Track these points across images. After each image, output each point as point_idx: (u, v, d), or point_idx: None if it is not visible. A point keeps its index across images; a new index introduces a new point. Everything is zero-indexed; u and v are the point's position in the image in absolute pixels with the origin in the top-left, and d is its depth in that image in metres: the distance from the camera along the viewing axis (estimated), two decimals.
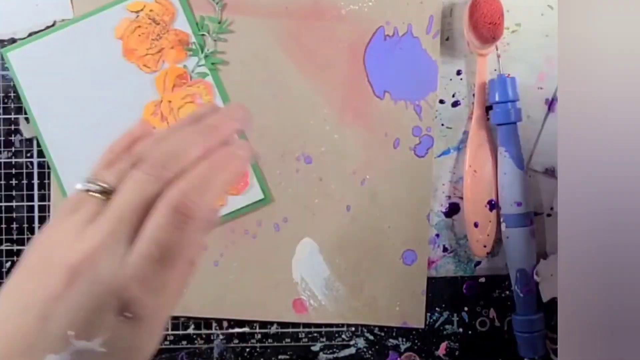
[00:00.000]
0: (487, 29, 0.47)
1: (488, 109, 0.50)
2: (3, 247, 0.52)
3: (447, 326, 0.52)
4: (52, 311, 0.28)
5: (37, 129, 0.51)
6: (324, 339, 0.52)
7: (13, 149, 0.52)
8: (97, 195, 0.31)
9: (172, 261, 0.29)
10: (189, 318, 0.52)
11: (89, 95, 0.50)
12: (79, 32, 0.50)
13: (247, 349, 0.52)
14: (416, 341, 0.52)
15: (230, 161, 0.32)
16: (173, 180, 0.30)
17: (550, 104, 0.51)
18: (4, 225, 0.52)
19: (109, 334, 0.28)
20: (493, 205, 0.50)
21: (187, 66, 0.50)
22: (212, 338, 0.52)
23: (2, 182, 0.52)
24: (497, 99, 0.48)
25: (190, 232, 0.30)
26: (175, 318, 0.52)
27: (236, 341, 0.52)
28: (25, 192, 0.51)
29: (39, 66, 0.51)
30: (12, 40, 0.51)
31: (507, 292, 0.51)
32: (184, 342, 0.52)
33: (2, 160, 0.52)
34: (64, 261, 0.28)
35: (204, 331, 0.52)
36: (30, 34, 0.51)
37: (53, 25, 0.51)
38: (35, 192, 0.52)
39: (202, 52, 0.50)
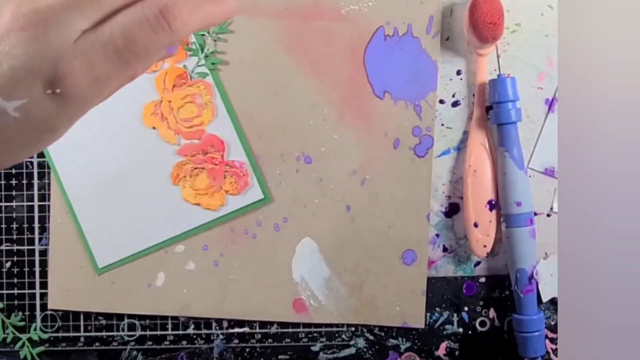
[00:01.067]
0: (487, 29, 0.47)
1: (488, 109, 0.50)
2: (3, 247, 0.52)
3: (447, 326, 0.52)
4: None
5: None
6: (324, 339, 0.52)
7: None
8: None
9: (128, 60, 0.28)
10: (189, 318, 0.52)
11: None
12: None
13: (247, 349, 0.52)
14: (416, 341, 0.52)
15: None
16: None
17: (550, 104, 0.51)
18: (4, 225, 0.52)
19: (29, 102, 0.27)
20: (493, 205, 0.50)
21: (187, 66, 0.50)
22: (212, 338, 0.52)
23: (2, 182, 0.52)
24: (497, 99, 0.48)
25: (161, 41, 0.29)
26: (175, 318, 0.52)
27: (236, 341, 0.52)
28: (25, 192, 0.51)
29: None
30: None
31: (507, 292, 0.51)
32: (184, 342, 0.52)
33: None
34: (22, 2, 0.27)
35: (204, 331, 0.52)
36: None
37: None
38: (35, 192, 0.52)
39: (202, 52, 0.50)
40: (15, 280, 0.52)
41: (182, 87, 0.50)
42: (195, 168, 0.50)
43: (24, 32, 0.27)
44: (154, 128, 0.50)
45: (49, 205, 0.51)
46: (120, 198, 0.51)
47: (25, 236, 0.52)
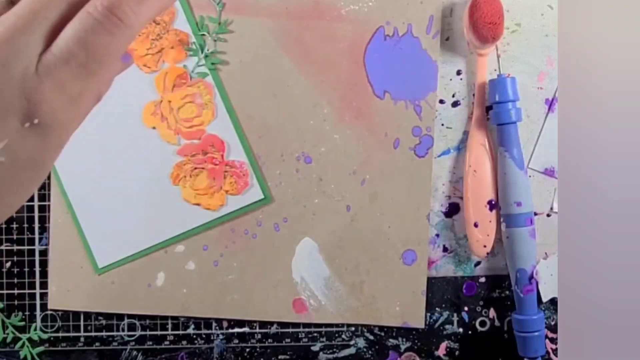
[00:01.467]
0: (487, 29, 0.47)
1: (488, 109, 0.50)
2: (3, 247, 0.52)
3: (447, 326, 0.52)
4: None
5: None
6: (324, 339, 0.52)
7: None
8: None
9: (94, 70, 0.28)
10: (189, 318, 0.52)
11: None
12: None
13: (247, 349, 0.52)
14: (416, 341, 0.52)
15: None
16: None
17: (550, 104, 0.51)
18: (4, 225, 0.52)
19: (11, 141, 0.26)
20: (493, 205, 0.50)
21: (187, 66, 0.50)
22: (212, 338, 0.52)
23: None
24: (497, 99, 0.48)
25: (119, 40, 0.28)
26: (175, 318, 0.52)
27: (236, 341, 0.52)
28: None
29: None
30: None
31: (507, 292, 0.51)
32: (184, 342, 0.52)
33: None
34: None
35: (204, 331, 0.52)
36: None
37: None
38: (35, 192, 0.52)
39: (202, 52, 0.50)
40: (15, 280, 0.52)
41: (182, 87, 0.50)
42: (195, 168, 0.50)
43: None
44: (154, 128, 0.50)
45: (49, 205, 0.51)
46: (121, 198, 0.51)
47: (25, 236, 0.52)
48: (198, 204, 0.50)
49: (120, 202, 0.51)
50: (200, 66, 0.50)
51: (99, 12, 0.27)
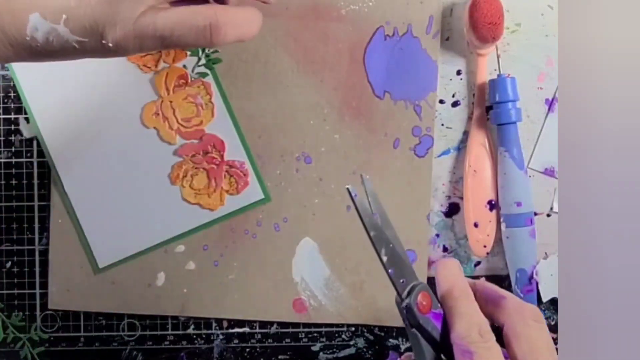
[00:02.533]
0: (487, 29, 0.47)
1: (488, 109, 0.50)
2: (3, 247, 0.52)
3: None
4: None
5: (37, 129, 0.51)
6: (324, 339, 0.52)
7: (13, 149, 0.52)
8: None
9: (167, 46, 0.37)
10: (189, 318, 0.52)
11: (89, 95, 0.50)
12: None
13: (247, 349, 0.52)
14: None
15: (256, 23, 0.39)
16: None
17: (550, 104, 0.51)
18: (4, 225, 0.52)
19: (88, 42, 0.35)
20: (493, 205, 0.50)
21: (187, 66, 0.50)
22: (212, 338, 0.52)
23: (2, 182, 0.52)
24: (497, 99, 0.48)
25: (198, 45, 0.37)
26: (175, 318, 0.52)
27: (236, 341, 0.52)
28: (25, 192, 0.51)
29: (38, 66, 0.51)
30: None
31: None
32: (184, 342, 0.52)
33: (2, 160, 0.52)
34: None
35: (204, 331, 0.52)
36: None
37: None
38: (35, 192, 0.52)
39: (202, 51, 0.50)
40: (15, 280, 0.52)
41: (182, 87, 0.50)
42: (195, 168, 0.50)
43: None
44: (154, 128, 0.50)
45: (49, 205, 0.51)
46: (121, 198, 0.51)
47: (25, 236, 0.52)
48: (198, 204, 0.50)
49: (121, 202, 0.51)
50: (200, 66, 0.50)
51: (203, 21, 0.36)
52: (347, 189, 0.35)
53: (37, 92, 0.51)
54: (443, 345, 0.34)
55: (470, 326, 0.34)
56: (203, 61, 0.50)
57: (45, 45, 0.36)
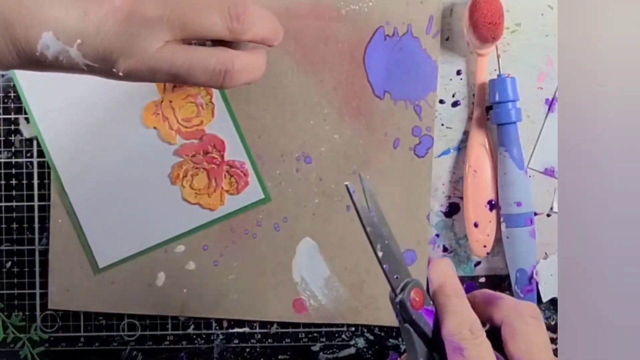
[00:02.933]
0: (487, 29, 0.47)
1: (488, 109, 0.50)
2: (3, 247, 0.52)
3: None
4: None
5: (37, 129, 0.51)
6: (324, 339, 0.52)
7: (13, 149, 0.52)
8: None
9: (176, 81, 0.39)
10: (189, 318, 0.52)
11: (89, 95, 0.50)
12: None
13: (247, 349, 0.52)
14: None
15: (264, 67, 0.41)
16: (238, 38, 0.39)
17: (550, 104, 0.51)
18: (4, 225, 0.52)
19: (97, 66, 0.37)
20: (493, 205, 0.50)
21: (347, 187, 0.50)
22: (212, 338, 0.52)
23: (2, 182, 0.52)
24: (497, 99, 0.48)
25: (208, 85, 0.39)
26: (175, 318, 0.52)
27: (236, 341, 0.52)
28: (25, 192, 0.51)
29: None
30: None
31: (507, 292, 0.51)
32: (184, 342, 0.52)
33: (2, 160, 0.52)
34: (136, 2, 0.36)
35: (204, 331, 0.52)
36: None
37: None
38: (35, 192, 0.52)
39: None
40: (15, 280, 0.52)
41: (183, 87, 0.50)
42: (195, 168, 0.50)
43: (125, 22, 0.36)
44: (154, 128, 0.50)
45: (49, 205, 0.51)
46: (121, 198, 0.51)
47: (25, 236, 0.52)
48: (198, 204, 0.50)
49: (121, 202, 0.51)
50: None
51: (217, 67, 0.38)
52: (346, 185, 0.36)
53: (37, 92, 0.51)
54: (435, 342, 0.35)
55: (461, 323, 0.34)
56: None
57: (54, 63, 0.37)
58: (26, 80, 0.50)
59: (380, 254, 0.36)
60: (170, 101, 0.50)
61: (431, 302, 0.35)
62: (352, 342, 0.52)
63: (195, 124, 0.50)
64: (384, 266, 0.36)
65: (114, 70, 0.37)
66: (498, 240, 0.50)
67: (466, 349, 0.34)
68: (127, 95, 0.51)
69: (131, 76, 0.37)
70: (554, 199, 0.51)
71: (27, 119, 0.51)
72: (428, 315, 0.35)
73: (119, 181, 0.51)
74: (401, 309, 0.35)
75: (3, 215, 0.52)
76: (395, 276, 0.35)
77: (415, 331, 0.35)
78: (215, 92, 0.50)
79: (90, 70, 0.37)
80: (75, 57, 0.36)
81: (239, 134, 0.50)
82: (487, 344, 0.35)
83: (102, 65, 0.37)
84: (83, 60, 0.36)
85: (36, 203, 0.52)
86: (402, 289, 0.35)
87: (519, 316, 0.36)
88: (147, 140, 0.50)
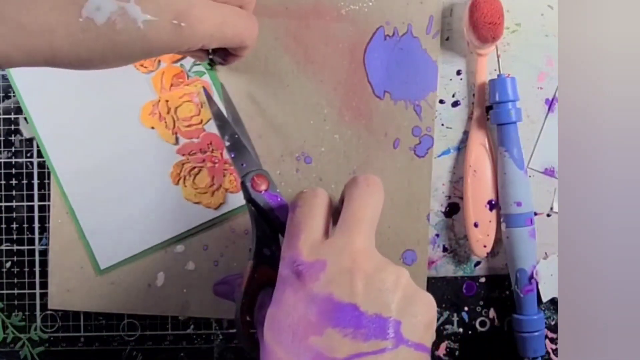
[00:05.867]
0: (487, 29, 0.47)
1: (488, 109, 0.50)
2: (3, 247, 0.52)
3: (447, 326, 0.52)
4: None
5: (36, 131, 0.51)
6: None
7: (13, 149, 0.52)
8: None
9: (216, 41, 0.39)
10: (189, 318, 0.52)
11: (86, 97, 0.50)
12: None
13: None
14: None
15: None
16: None
17: (550, 104, 0.51)
18: (4, 225, 0.52)
19: (158, 21, 0.34)
20: (493, 205, 0.50)
21: (184, 65, 0.50)
22: (212, 338, 0.52)
23: (2, 182, 0.52)
24: (497, 99, 0.48)
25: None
26: (175, 318, 0.52)
27: (236, 341, 0.52)
28: (25, 192, 0.51)
29: (35, 71, 0.50)
30: None
31: (507, 292, 0.51)
32: (184, 342, 0.52)
33: (2, 160, 0.52)
34: None
35: (204, 331, 0.52)
36: None
37: None
38: (35, 192, 0.52)
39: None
40: (15, 280, 0.52)
41: (179, 86, 0.50)
42: (195, 167, 0.50)
43: None
44: (152, 128, 0.50)
45: (49, 205, 0.51)
46: (121, 199, 0.51)
47: (25, 236, 0.52)
48: (198, 203, 0.50)
49: (121, 203, 0.51)
50: (197, 65, 0.50)
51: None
52: (202, 88, 0.45)
53: (34, 95, 0.51)
54: (279, 225, 0.40)
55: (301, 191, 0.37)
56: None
57: (103, 29, 0.33)
58: (23, 84, 0.50)
59: (227, 143, 0.43)
60: (167, 100, 0.50)
61: (278, 191, 0.42)
62: None
63: (193, 122, 0.50)
64: (231, 155, 0.43)
65: (175, 22, 0.34)
66: (498, 240, 0.50)
67: (301, 199, 0.37)
68: (124, 96, 0.51)
69: (194, 34, 0.36)
70: (554, 199, 0.51)
71: (26, 119, 0.51)
72: (271, 199, 0.41)
73: (119, 182, 0.51)
74: (243, 188, 0.41)
75: (3, 215, 0.52)
76: (241, 164, 0.43)
77: (257, 210, 0.41)
78: (213, 91, 0.50)
79: (144, 31, 0.34)
80: (133, 13, 0.33)
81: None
82: (324, 193, 0.37)
83: (163, 18, 0.34)
84: (142, 15, 0.33)
85: (36, 203, 0.52)
86: (247, 174, 0.42)
87: (354, 182, 0.37)
88: (147, 140, 0.50)
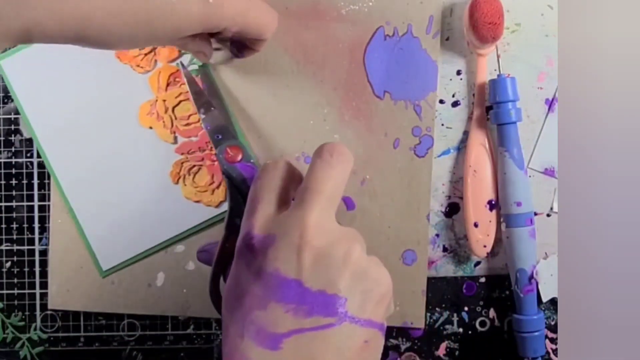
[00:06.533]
0: (487, 29, 0.47)
1: (488, 109, 0.50)
2: (3, 247, 0.52)
3: (447, 326, 0.52)
4: None
5: (34, 135, 0.51)
6: None
7: (13, 149, 0.52)
8: None
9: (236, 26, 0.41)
10: (189, 318, 0.52)
11: (84, 98, 0.50)
12: None
13: None
14: (416, 341, 0.52)
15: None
16: None
17: (550, 104, 0.51)
18: (4, 225, 0.52)
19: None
20: (493, 205, 0.50)
21: (180, 64, 0.50)
22: (212, 338, 0.52)
23: (2, 182, 0.52)
24: (497, 99, 0.48)
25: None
26: (175, 318, 0.52)
27: None
28: (25, 192, 0.51)
29: (32, 73, 0.51)
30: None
31: (507, 292, 0.51)
32: (184, 342, 0.52)
33: (2, 160, 0.52)
34: None
35: (204, 331, 0.52)
36: None
37: None
38: (35, 192, 0.52)
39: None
40: (15, 280, 0.52)
41: (176, 85, 0.50)
42: (194, 165, 0.50)
43: None
44: (150, 128, 0.50)
45: (49, 205, 0.51)
46: (122, 200, 0.51)
47: (25, 236, 0.52)
48: (199, 201, 0.50)
49: (122, 204, 0.51)
50: (194, 63, 0.50)
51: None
52: (180, 62, 0.47)
53: (32, 98, 0.51)
54: None
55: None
56: (195, 60, 0.50)
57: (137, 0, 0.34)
58: (20, 88, 0.51)
59: (202, 116, 0.45)
60: (165, 100, 0.50)
61: (252, 160, 0.43)
62: None
63: (191, 121, 0.50)
64: (207, 127, 0.44)
65: (207, 5, 0.37)
66: (498, 240, 0.50)
67: (261, 171, 0.37)
68: (122, 97, 0.51)
69: (221, 8, 0.38)
70: (554, 199, 0.51)
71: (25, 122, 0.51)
72: (244, 170, 0.42)
73: (119, 183, 0.51)
74: (218, 160, 0.42)
75: (3, 215, 0.52)
76: (216, 135, 0.43)
77: (230, 181, 0.42)
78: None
79: (172, 7, 0.36)
80: None
81: (236, 129, 0.50)
82: (284, 162, 0.37)
83: None
84: None
85: (36, 203, 0.52)
86: (220, 146, 0.42)
87: (318, 152, 0.36)
88: (145, 141, 0.50)
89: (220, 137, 0.43)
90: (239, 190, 0.41)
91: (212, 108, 0.45)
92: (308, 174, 0.36)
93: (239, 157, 0.42)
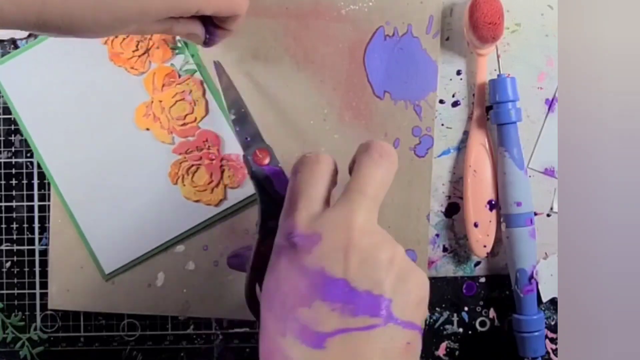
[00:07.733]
0: (487, 29, 0.47)
1: (488, 109, 0.50)
2: (3, 247, 0.52)
3: (447, 326, 0.52)
4: None
5: (31, 139, 0.51)
6: None
7: (13, 149, 0.52)
8: None
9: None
10: (189, 318, 0.52)
11: (80, 104, 0.51)
12: (63, 42, 0.50)
13: (247, 349, 0.52)
14: None
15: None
16: None
17: (550, 104, 0.51)
18: (4, 225, 0.52)
19: None
20: (493, 205, 0.50)
21: (175, 64, 0.50)
22: (212, 338, 0.52)
23: (2, 182, 0.52)
24: (497, 99, 0.48)
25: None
26: (175, 318, 0.52)
27: (236, 341, 0.52)
28: (25, 192, 0.51)
29: (27, 78, 0.51)
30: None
31: (507, 292, 0.51)
32: (184, 342, 0.52)
33: (2, 160, 0.52)
34: None
35: (204, 331, 0.52)
36: (13, 42, 0.51)
37: (36, 36, 0.51)
38: (35, 192, 0.52)
39: (187, 49, 0.50)
40: (15, 280, 0.52)
41: (171, 85, 0.50)
42: (192, 165, 0.50)
43: None
44: (147, 129, 0.50)
45: (49, 205, 0.51)
46: (121, 202, 0.51)
47: (25, 236, 0.52)
48: (198, 201, 0.50)
49: (122, 207, 0.51)
50: (189, 64, 0.50)
51: None
52: (215, 62, 0.47)
53: (27, 104, 0.51)
54: (281, 199, 0.38)
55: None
56: (190, 58, 0.50)
57: None
58: (15, 93, 0.51)
59: (232, 117, 0.44)
60: (160, 101, 0.50)
61: (279, 165, 0.42)
62: None
63: (188, 121, 0.50)
64: (236, 129, 0.44)
65: None
66: (498, 240, 0.50)
67: (301, 165, 0.36)
68: (117, 99, 0.51)
69: None
70: (554, 199, 0.51)
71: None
72: (271, 172, 0.42)
73: (118, 185, 0.50)
74: (245, 162, 0.42)
75: (3, 215, 0.52)
76: (245, 138, 0.43)
77: (259, 184, 0.41)
78: (205, 88, 0.50)
79: None
80: None
81: (232, 128, 0.50)
82: (327, 157, 0.37)
83: None
84: None
85: (36, 203, 0.52)
86: (249, 148, 0.42)
87: (366, 151, 0.36)
88: (143, 142, 0.50)
89: (249, 139, 0.43)
90: (268, 193, 0.41)
91: (242, 110, 0.44)
92: (355, 172, 0.35)
93: (267, 160, 0.42)
